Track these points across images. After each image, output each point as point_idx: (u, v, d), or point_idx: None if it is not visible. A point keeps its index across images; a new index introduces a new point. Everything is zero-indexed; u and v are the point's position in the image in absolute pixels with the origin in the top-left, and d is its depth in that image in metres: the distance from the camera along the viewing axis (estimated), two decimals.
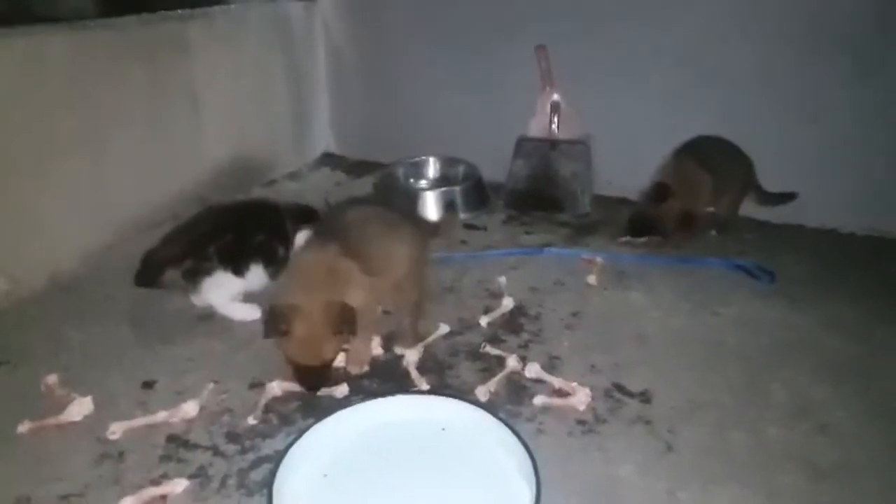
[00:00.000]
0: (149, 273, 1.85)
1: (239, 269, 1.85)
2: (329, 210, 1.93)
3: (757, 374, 1.67)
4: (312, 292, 1.50)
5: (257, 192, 2.87)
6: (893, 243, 2.37)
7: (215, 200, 2.62)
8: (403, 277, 1.70)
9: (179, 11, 2.59)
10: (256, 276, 1.88)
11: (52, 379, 1.60)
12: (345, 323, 1.49)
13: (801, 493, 1.32)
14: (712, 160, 2.32)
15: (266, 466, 1.37)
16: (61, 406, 1.51)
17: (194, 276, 1.83)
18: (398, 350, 1.75)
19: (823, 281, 2.11)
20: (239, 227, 1.87)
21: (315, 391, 1.56)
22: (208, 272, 1.82)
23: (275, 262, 1.90)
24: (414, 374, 1.65)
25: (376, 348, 1.77)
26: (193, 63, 2.55)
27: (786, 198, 2.40)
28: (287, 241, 1.92)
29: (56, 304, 2.00)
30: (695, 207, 2.32)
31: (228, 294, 1.88)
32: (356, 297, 1.54)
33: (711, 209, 2.47)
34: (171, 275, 1.84)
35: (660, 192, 2.30)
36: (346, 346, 1.62)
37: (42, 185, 2.05)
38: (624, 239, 2.40)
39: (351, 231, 1.62)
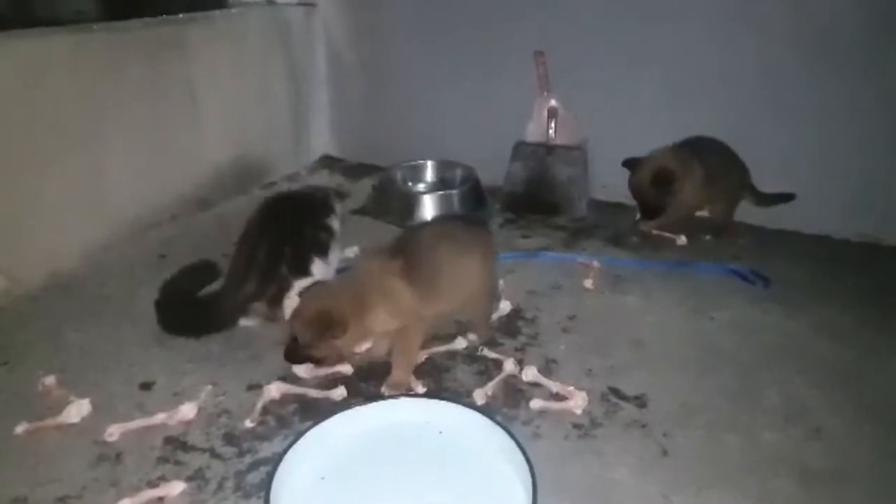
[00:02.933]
0: (233, 315, 1.83)
1: (307, 270, 1.85)
2: (411, 226, 1.98)
3: (751, 379, 1.68)
4: (347, 294, 1.56)
5: (257, 194, 2.88)
6: (887, 250, 2.39)
7: (214, 201, 2.66)
8: (476, 292, 1.74)
9: (180, 14, 2.60)
10: (319, 268, 1.88)
11: (50, 380, 1.61)
12: (317, 328, 1.52)
13: (793, 496, 1.33)
14: (707, 157, 2.34)
15: (263, 469, 1.37)
16: (59, 407, 1.52)
17: (279, 298, 1.81)
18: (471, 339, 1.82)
19: (817, 286, 2.13)
20: (287, 235, 1.88)
21: (287, 359, 1.62)
22: (287, 290, 1.81)
23: (325, 250, 1.92)
24: (411, 377, 1.66)
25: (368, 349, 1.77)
26: (194, 65, 2.55)
27: (783, 198, 2.41)
28: (324, 227, 1.95)
29: (55, 303, 2.00)
30: (682, 192, 2.35)
31: None
32: (384, 320, 1.58)
33: (706, 214, 2.50)
34: (253, 308, 1.83)
35: (629, 165, 2.39)
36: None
37: (42, 185, 2.06)
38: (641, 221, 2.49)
39: (418, 255, 1.62)
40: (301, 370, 1.69)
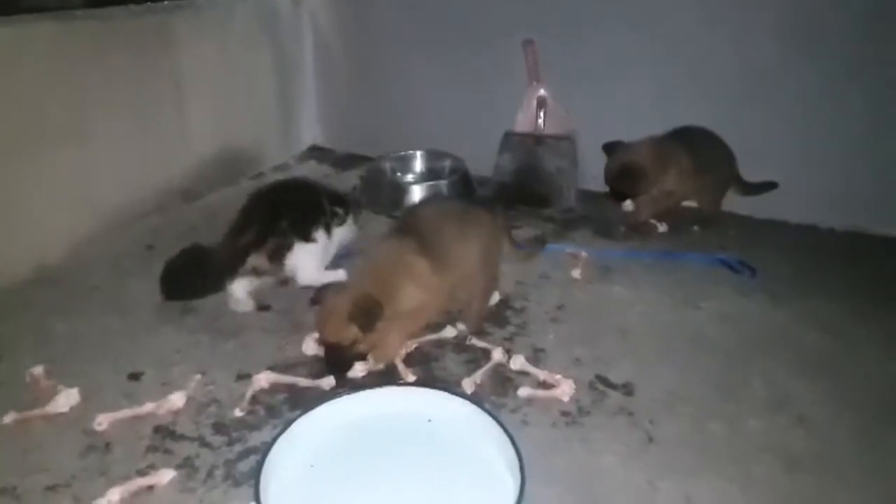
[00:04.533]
0: (232, 264, 1.85)
1: (309, 236, 1.89)
2: (410, 206, 2.07)
3: (736, 368, 1.70)
4: (369, 279, 1.57)
5: (245, 185, 2.87)
6: (872, 239, 2.41)
7: (201, 192, 2.65)
8: (474, 269, 1.77)
9: (165, 2, 2.58)
10: (322, 241, 1.93)
11: (37, 370, 1.60)
12: (361, 314, 1.50)
13: (776, 483, 1.35)
14: (697, 148, 2.36)
15: (253, 457, 1.38)
16: (47, 397, 1.52)
17: (279, 254, 1.86)
18: (460, 328, 1.82)
19: (803, 276, 2.15)
20: (294, 199, 1.95)
21: (332, 370, 1.60)
22: (289, 247, 1.86)
23: (328, 228, 1.98)
24: (400, 366, 1.67)
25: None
26: (179, 54, 2.54)
27: (767, 187, 2.43)
28: (325, 216, 1.98)
29: (41, 295, 1.99)
30: (666, 184, 2.38)
31: (317, 263, 1.92)
32: (413, 297, 1.61)
33: (694, 204, 2.51)
34: (253, 261, 1.85)
35: (608, 149, 2.43)
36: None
37: (27, 176, 2.04)
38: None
39: (429, 229, 1.68)
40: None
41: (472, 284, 1.81)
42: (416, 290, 1.62)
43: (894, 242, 2.38)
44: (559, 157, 2.72)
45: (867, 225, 2.45)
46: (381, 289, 1.56)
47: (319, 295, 1.65)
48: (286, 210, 1.89)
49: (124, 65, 2.32)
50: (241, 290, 1.89)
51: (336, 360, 1.57)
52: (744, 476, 1.36)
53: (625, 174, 2.36)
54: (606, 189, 2.46)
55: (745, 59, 2.45)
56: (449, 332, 1.81)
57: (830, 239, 2.44)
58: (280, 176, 3.03)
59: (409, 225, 1.72)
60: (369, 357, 1.66)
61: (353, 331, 1.52)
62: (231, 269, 1.85)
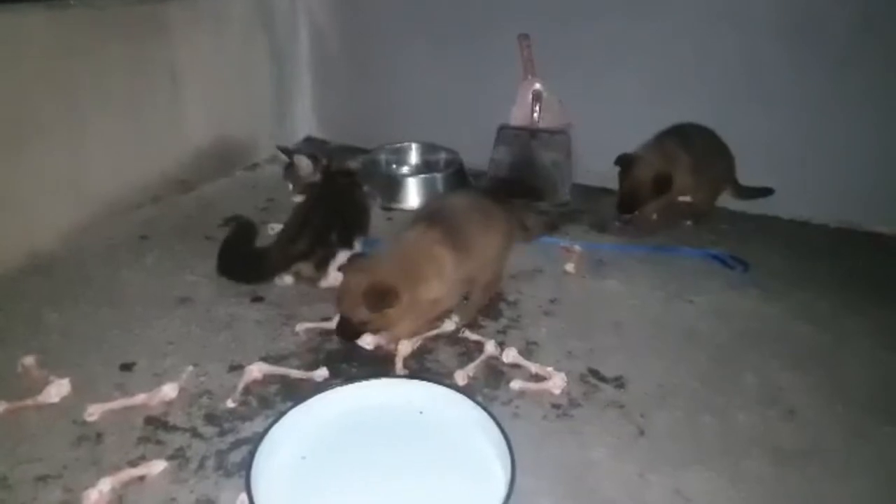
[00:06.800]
0: (281, 267, 1.99)
1: (351, 243, 2.01)
2: (433, 198, 2.19)
3: (728, 362, 1.71)
4: (395, 264, 1.64)
5: (239, 176, 2.86)
6: (864, 235, 2.43)
7: (196, 183, 2.64)
8: (489, 262, 1.82)
9: None
10: (359, 244, 2.04)
11: (29, 360, 1.59)
12: (374, 298, 1.57)
13: (766, 476, 1.36)
14: (695, 146, 2.36)
15: (245, 448, 1.38)
16: (39, 387, 1.51)
17: (325, 263, 1.97)
18: (455, 320, 1.82)
19: (795, 271, 2.16)
20: (339, 209, 2.04)
21: (341, 337, 1.70)
22: (334, 256, 1.97)
23: (366, 229, 2.11)
24: (399, 363, 1.66)
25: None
26: (174, 44, 2.52)
27: (762, 192, 2.44)
28: (367, 210, 2.14)
29: (34, 285, 1.98)
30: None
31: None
32: (435, 289, 1.66)
33: (688, 199, 2.51)
34: (299, 266, 1.99)
35: (622, 162, 2.38)
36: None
37: (20, 165, 2.03)
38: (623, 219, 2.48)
39: (457, 220, 1.73)
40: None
41: (480, 277, 1.83)
42: (439, 283, 1.67)
43: (887, 239, 2.40)
44: (554, 151, 2.72)
45: (860, 221, 2.46)
46: (405, 276, 1.61)
47: (346, 265, 1.78)
48: (337, 222, 1.99)
49: (119, 54, 2.30)
50: (286, 279, 2.04)
51: (345, 330, 1.66)
52: (734, 469, 1.37)
53: (660, 184, 2.32)
54: (620, 197, 2.44)
55: (740, 55, 2.45)
56: (448, 326, 1.81)
57: (823, 235, 2.45)
58: (275, 168, 3.02)
59: (437, 214, 1.74)
60: (382, 335, 1.72)
61: (365, 311, 1.60)
62: (279, 271, 2.00)
